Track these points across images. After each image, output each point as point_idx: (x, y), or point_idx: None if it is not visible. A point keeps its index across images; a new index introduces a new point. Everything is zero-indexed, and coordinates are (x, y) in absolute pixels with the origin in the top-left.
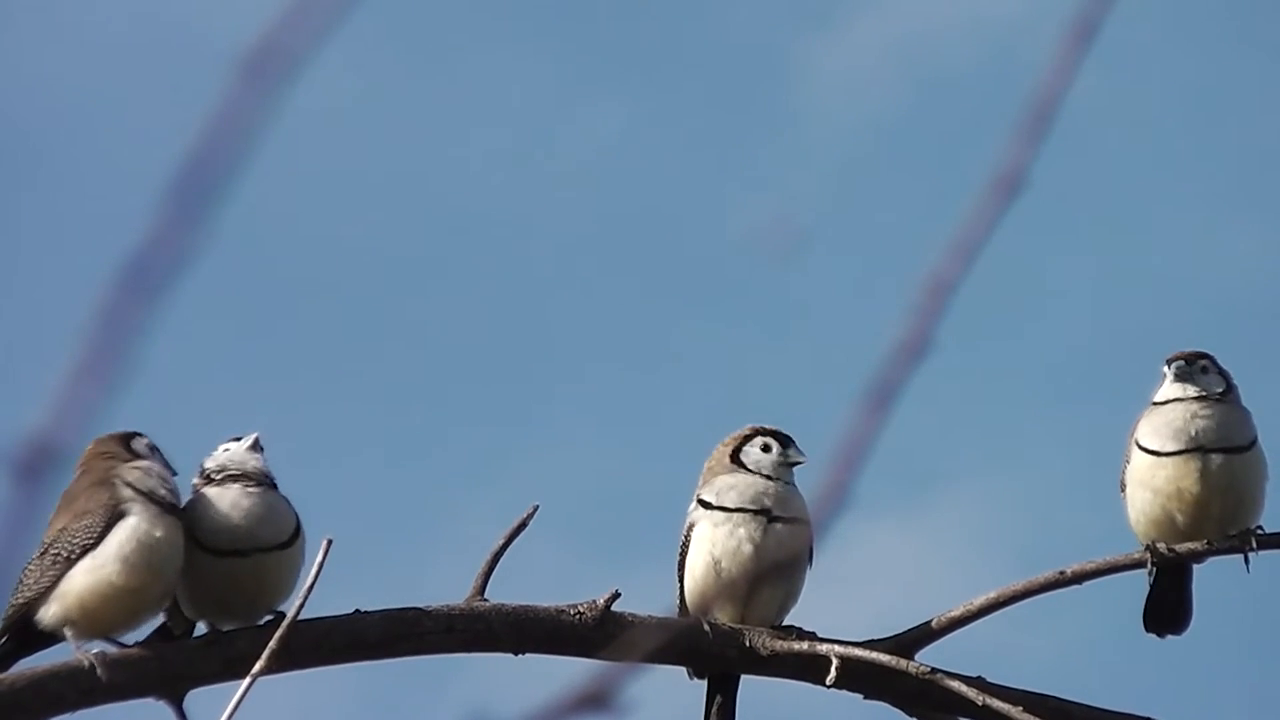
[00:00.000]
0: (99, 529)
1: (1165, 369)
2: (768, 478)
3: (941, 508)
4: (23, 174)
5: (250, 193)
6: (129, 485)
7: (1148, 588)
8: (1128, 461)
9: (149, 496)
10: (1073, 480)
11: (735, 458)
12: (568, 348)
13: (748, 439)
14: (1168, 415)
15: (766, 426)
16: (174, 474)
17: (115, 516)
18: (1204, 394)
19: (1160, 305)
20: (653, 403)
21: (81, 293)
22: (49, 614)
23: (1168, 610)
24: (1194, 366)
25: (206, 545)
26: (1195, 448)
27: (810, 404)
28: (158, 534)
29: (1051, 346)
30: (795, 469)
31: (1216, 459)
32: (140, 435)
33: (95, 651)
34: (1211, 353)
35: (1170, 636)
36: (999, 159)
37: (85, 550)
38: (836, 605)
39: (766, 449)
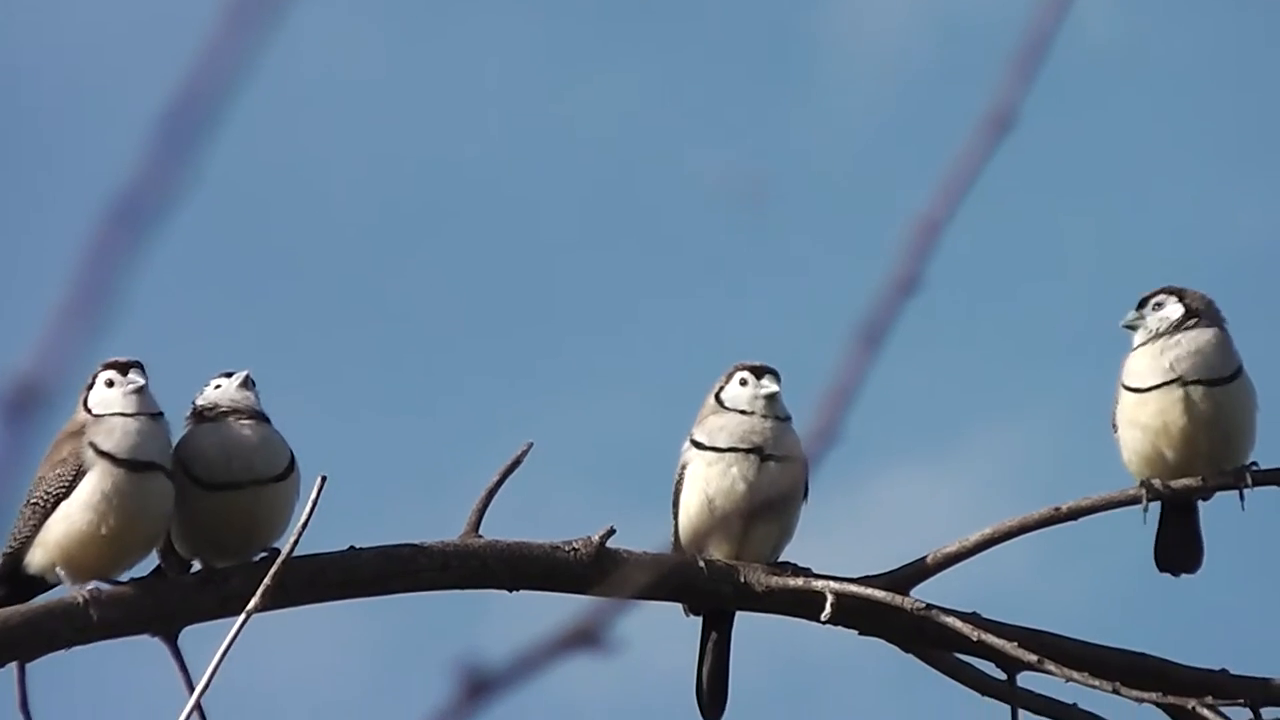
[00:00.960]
0: (69, 478)
1: (1153, 306)
2: (760, 416)
3: (963, 453)
4: (9, 113)
5: (242, 133)
6: (93, 447)
7: (1156, 528)
8: (1116, 402)
9: (107, 456)
10: (1091, 426)
11: (718, 398)
12: (576, 301)
13: (730, 377)
14: (1146, 352)
15: (745, 362)
16: (160, 414)
17: (83, 468)
18: (1177, 327)
19: (1172, 254)
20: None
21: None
22: (35, 560)
23: (1178, 549)
24: (1145, 308)
25: (201, 480)
26: (1174, 379)
27: (809, 346)
28: (124, 487)
29: (1070, 294)
30: (775, 402)
31: (1197, 391)
32: (133, 367)
33: (90, 588)
34: (1179, 287)
35: (1184, 575)
36: (990, 98)
37: (58, 499)
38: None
39: (744, 383)
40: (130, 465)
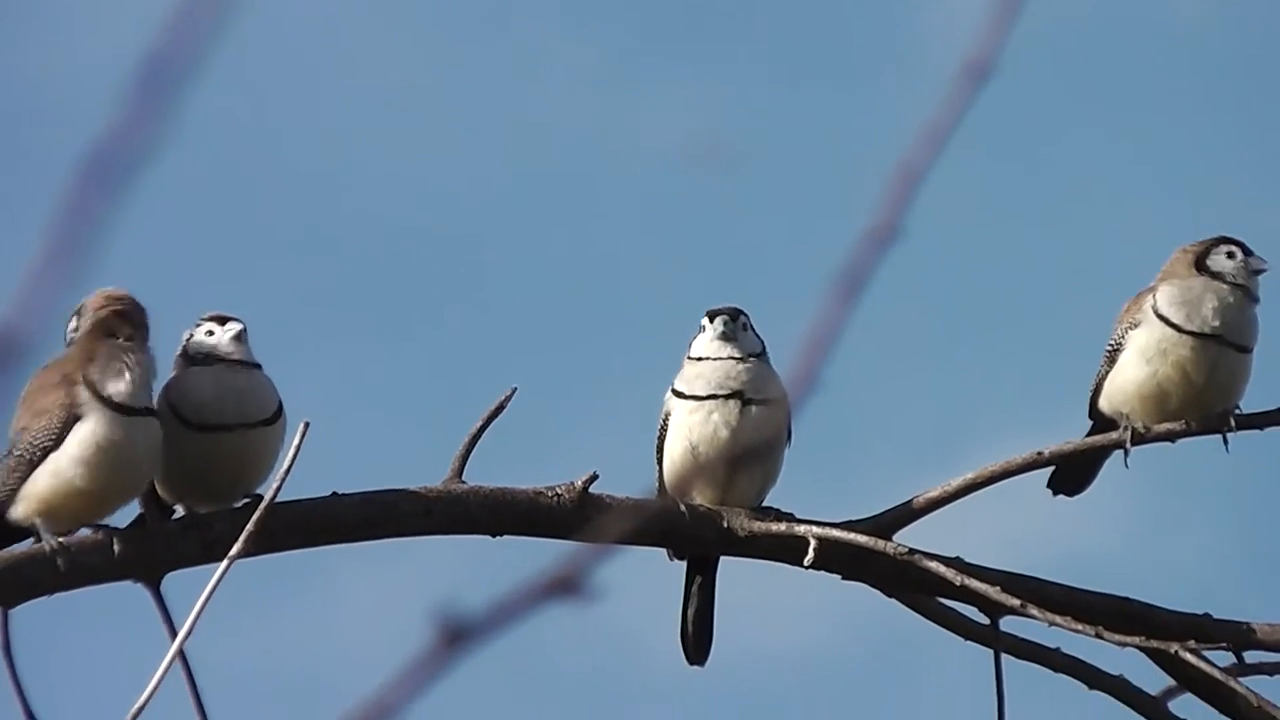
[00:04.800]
0: (56, 430)
1: (1225, 253)
2: (728, 359)
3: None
4: None
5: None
6: (89, 385)
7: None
8: (1133, 326)
9: (107, 401)
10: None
11: (691, 347)
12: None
13: (701, 327)
14: (1200, 292)
15: (713, 308)
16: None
17: (72, 419)
18: (1243, 284)
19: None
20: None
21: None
22: (18, 512)
23: (1076, 476)
24: (1255, 257)
25: (190, 421)
26: (1215, 335)
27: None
28: (116, 436)
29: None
30: (729, 343)
31: (1228, 353)
32: (134, 315)
33: (59, 540)
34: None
35: (1063, 497)
36: (969, 46)
37: (46, 452)
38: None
39: (703, 329)
40: (127, 410)
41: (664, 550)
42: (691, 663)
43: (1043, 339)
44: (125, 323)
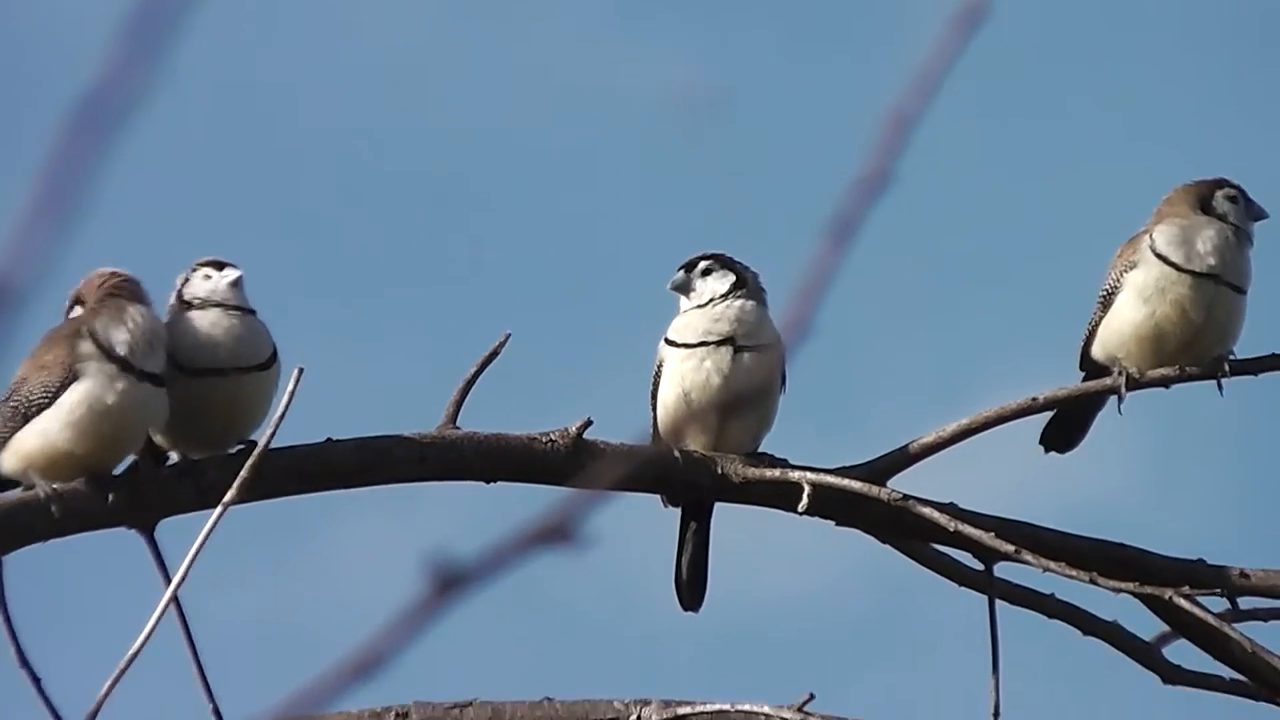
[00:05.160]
0: (54, 388)
1: (1227, 196)
2: (725, 306)
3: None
4: None
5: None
6: (93, 338)
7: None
8: (1130, 268)
9: (109, 354)
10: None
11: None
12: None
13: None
14: (1201, 231)
15: (701, 254)
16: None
17: (71, 376)
18: (1242, 227)
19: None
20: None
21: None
22: (7, 463)
23: (1068, 431)
24: (1256, 205)
25: (185, 366)
26: (1213, 275)
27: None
28: (110, 400)
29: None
30: (686, 291)
31: (1225, 293)
32: (138, 289)
33: (53, 487)
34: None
35: (1054, 454)
36: None
37: (40, 409)
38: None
39: (685, 276)
40: (129, 367)
41: (658, 497)
42: (685, 609)
43: (1042, 288)
44: (132, 296)
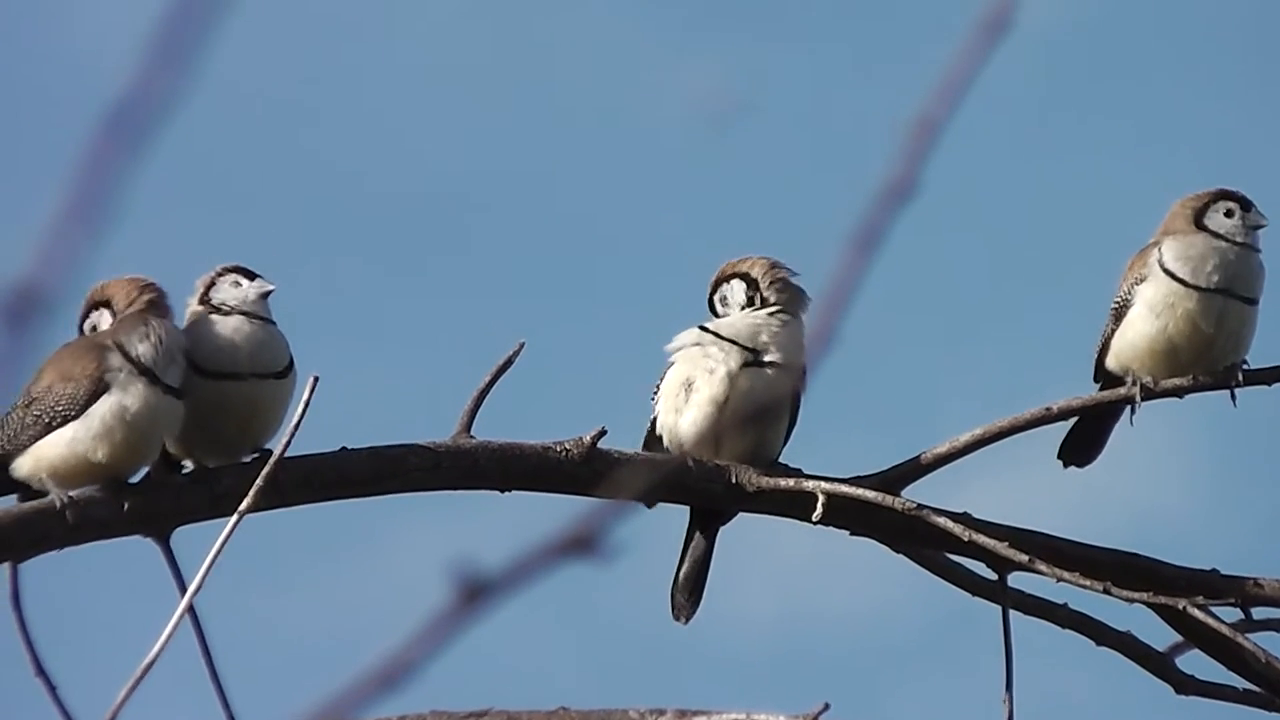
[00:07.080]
0: (82, 400)
1: (1223, 210)
2: (749, 320)
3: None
4: (6, 18)
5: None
6: (121, 349)
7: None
8: (1140, 281)
9: (136, 363)
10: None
11: (710, 303)
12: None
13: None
14: (1203, 250)
15: (736, 263)
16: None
17: (100, 388)
18: (1243, 242)
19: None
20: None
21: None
22: (24, 468)
23: (1085, 445)
24: (1254, 212)
25: (203, 368)
26: (1223, 289)
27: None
28: (140, 411)
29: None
30: (730, 305)
31: (1236, 306)
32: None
33: (69, 495)
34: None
35: (1074, 469)
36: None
37: (65, 420)
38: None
39: (732, 289)
40: (154, 379)
41: (679, 508)
42: (676, 619)
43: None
44: (160, 309)
